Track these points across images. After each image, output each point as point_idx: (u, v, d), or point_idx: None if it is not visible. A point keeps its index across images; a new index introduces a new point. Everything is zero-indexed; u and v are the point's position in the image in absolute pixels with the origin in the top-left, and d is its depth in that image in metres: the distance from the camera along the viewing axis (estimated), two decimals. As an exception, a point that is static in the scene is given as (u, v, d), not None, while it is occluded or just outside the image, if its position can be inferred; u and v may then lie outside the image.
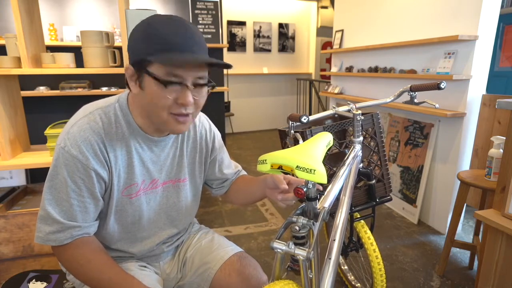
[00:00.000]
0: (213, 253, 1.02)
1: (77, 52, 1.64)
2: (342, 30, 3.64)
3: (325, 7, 6.32)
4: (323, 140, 0.91)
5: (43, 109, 2.74)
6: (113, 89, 2.87)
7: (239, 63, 5.93)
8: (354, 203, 1.39)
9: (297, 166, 0.75)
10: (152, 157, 0.90)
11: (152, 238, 0.97)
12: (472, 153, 2.25)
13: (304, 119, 1.11)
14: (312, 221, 0.81)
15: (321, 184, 0.84)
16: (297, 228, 0.80)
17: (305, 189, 0.81)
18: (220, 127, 3.66)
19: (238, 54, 5.90)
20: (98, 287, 0.82)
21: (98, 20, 3.93)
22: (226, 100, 5.67)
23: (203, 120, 1.04)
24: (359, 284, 1.72)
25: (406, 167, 2.65)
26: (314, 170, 0.74)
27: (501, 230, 1.19)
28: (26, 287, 1.10)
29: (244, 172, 1.16)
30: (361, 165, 1.35)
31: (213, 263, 1.00)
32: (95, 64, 1.59)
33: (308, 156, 0.78)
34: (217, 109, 3.62)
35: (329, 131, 1.21)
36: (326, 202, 0.92)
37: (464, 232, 2.39)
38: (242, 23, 5.82)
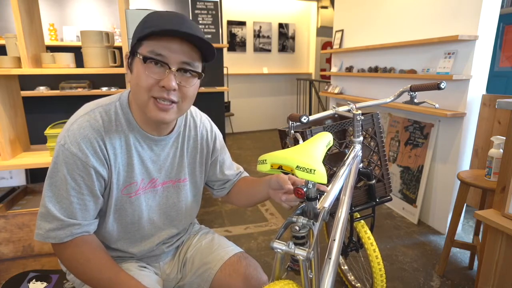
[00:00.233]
0: (213, 254, 1.02)
1: (77, 52, 1.64)
2: (342, 30, 3.64)
3: (325, 7, 6.32)
4: (323, 140, 0.91)
5: (43, 109, 2.74)
6: (113, 89, 2.88)
7: (239, 63, 5.93)
8: (354, 203, 1.39)
9: (297, 166, 0.75)
10: (152, 156, 0.90)
11: (151, 238, 0.97)
12: (472, 153, 2.25)
13: (304, 119, 1.11)
14: (312, 221, 0.81)
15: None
16: (297, 228, 0.80)
17: (305, 189, 0.81)
18: (220, 127, 3.65)
19: (238, 54, 5.90)
20: (98, 286, 0.82)
21: (98, 20, 3.93)
22: (226, 100, 5.67)
23: (204, 120, 1.04)
24: (359, 284, 1.72)
25: (406, 167, 2.65)
26: (314, 170, 0.74)
27: (501, 230, 1.19)
28: (26, 287, 1.10)
29: (246, 174, 1.16)
30: (361, 165, 1.35)
31: (213, 263, 1.00)
32: (95, 64, 1.59)
33: (308, 156, 0.78)
34: (217, 109, 3.62)
35: (329, 131, 1.21)
36: (326, 202, 0.92)
37: (464, 232, 2.39)
38: (242, 23, 5.82)
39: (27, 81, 2.84)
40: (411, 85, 1.35)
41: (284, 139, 1.38)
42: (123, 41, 1.57)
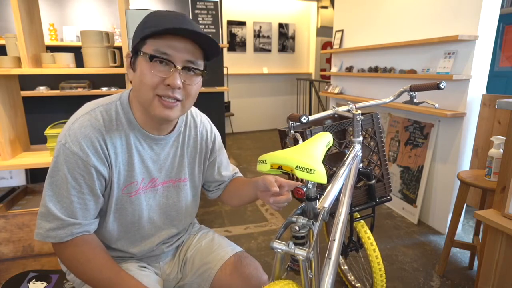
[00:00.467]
0: (213, 253, 1.02)
1: (77, 52, 1.64)
2: (342, 30, 3.64)
3: (325, 7, 6.32)
4: (323, 140, 0.91)
5: (43, 109, 2.74)
6: (113, 89, 2.88)
7: (239, 63, 5.93)
8: (354, 203, 1.39)
9: (297, 166, 0.75)
10: (152, 155, 0.91)
11: (151, 238, 0.97)
12: (472, 153, 2.25)
13: (304, 119, 1.11)
14: (312, 221, 0.81)
15: (321, 184, 0.84)
16: (297, 228, 0.80)
17: (305, 189, 0.81)
18: (220, 127, 3.66)
19: (238, 54, 5.90)
20: (98, 286, 0.82)
21: (98, 20, 3.93)
22: (226, 100, 5.66)
23: (204, 121, 1.05)
24: (359, 284, 1.72)
25: (406, 167, 2.65)
26: (314, 170, 0.74)
27: (501, 230, 1.19)
28: (26, 287, 1.10)
29: (240, 174, 1.16)
30: (361, 165, 1.35)
31: (214, 263, 1.00)
32: (95, 64, 1.59)
33: (308, 156, 0.78)
34: (217, 109, 3.62)
35: (329, 131, 1.21)
36: (326, 202, 0.92)
37: (464, 232, 2.39)
38: (242, 23, 5.82)
39: (27, 81, 2.84)
40: (411, 85, 1.35)
41: (284, 139, 1.38)
42: (123, 41, 1.57)
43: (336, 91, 3.71)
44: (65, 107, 2.76)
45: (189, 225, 1.11)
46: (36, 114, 2.70)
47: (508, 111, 1.31)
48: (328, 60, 6.45)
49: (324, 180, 0.75)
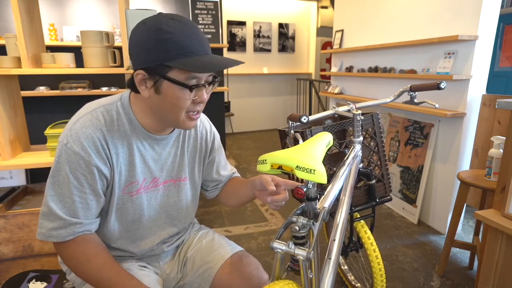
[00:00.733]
0: (213, 253, 1.02)
1: (77, 52, 1.64)
2: (342, 30, 3.64)
3: (325, 7, 6.32)
4: (323, 140, 0.91)
5: (43, 109, 2.74)
6: (113, 89, 2.88)
7: (239, 63, 5.92)
8: (354, 203, 1.39)
9: (297, 166, 0.75)
10: (154, 155, 0.91)
11: (152, 237, 0.97)
12: (472, 153, 2.25)
13: (304, 119, 1.11)
14: (312, 221, 0.81)
15: (321, 184, 0.84)
16: (297, 228, 0.80)
17: (305, 189, 0.81)
18: (220, 127, 3.66)
19: (238, 54, 5.90)
20: (98, 286, 0.82)
21: (98, 20, 3.93)
22: (226, 100, 5.66)
23: (204, 121, 1.05)
24: (359, 284, 1.72)
25: (406, 167, 2.65)
26: (314, 170, 0.74)
27: (501, 230, 1.19)
28: (26, 287, 1.10)
29: (237, 174, 1.16)
30: (361, 165, 1.35)
31: (214, 262, 1.00)
32: (95, 64, 1.59)
33: (308, 156, 0.79)
34: (217, 109, 3.62)
35: (329, 131, 1.21)
36: (326, 202, 0.92)
37: (464, 232, 2.39)
38: (242, 23, 5.82)
39: (27, 81, 2.84)
40: (411, 85, 1.35)
41: (284, 139, 1.38)
42: (123, 41, 1.57)
43: (336, 91, 3.71)
44: (65, 107, 2.76)
45: (189, 225, 1.11)
46: (36, 114, 2.70)
47: (508, 111, 1.31)
48: (328, 60, 6.45)
49: (324, 180, 0.75)
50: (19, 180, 1.90)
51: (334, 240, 0.91)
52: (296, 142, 1.16)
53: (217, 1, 3.71)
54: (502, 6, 2.46)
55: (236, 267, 0.98)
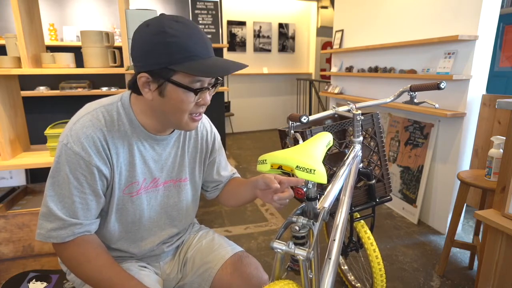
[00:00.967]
0: (213, 253, 1.02)
1: (77, 52, 1.64)
2: (342, 30, 3.64)
3: (325, 7, 6.32)
4: (323, 140, 0.91)
5: (43, 109, 2.74)
6: (113, 89, 2.88)
7: (239, 63, 5.92)
8: (354, 203, 1.39)
9: (297, 166, 0.75)
10: (154, 155, 0.91)
11: (152, 237, 0.97)
12: (472, 153, 2.25)
13: (304, 119, 1.11)
14: (312, 221, 0.81)
15: (321, 184, 0.84)
16: (297, 228, 0.80)
17: (305, 189, 0.81)
18: (220, 127, 3.66)
19: (238, 54, 5.90)
20: (99, 286, 0.82)
21: (98, 20, 3.93)
22: (226, 100, 5.67)
23: (204, 121, 1.05)
24: (359, 284, 1.72)
25: (406, 167, 2.65)
26: (314, 170, 0.74)
27: (501, 230, 1.19)
28: (26, 287, 1.10)
29: (237, 175, 1.16)
30: (361, 165, 1.35)
31: (214, 262, 1.00)
32: (95, 64, 1.59)
33: (308, 156, 0.79)
34: (217, 109, 3.62)
35: (329, 131, 1.21)
36: (326, 202, 0.92)
37: (464, 232, 2.39)
38: (242, 23, 5.82)
39: (27, 81, 2.84)
40: (411, 85, 1.35)
41: (284, 139, 1.38)
42: (123, 41, 1.57)
43: (336, 91, 3.71)
44: (65, 107, 2.76)
45: (189, 225, 1.11)
46: (36, 114, 2.70)
47: (508, 111, 1.31)
48: (328, 60, 6.45)
49: (324, 180, 0.75)
50: (19, 180, 1.90)
51: (334, 240, 0.91)
52: (296, 142, 1.16)
53: (217, 1, 3.71)
54: (502, 6, 2.46)
55: (236, 267, 0.98)
